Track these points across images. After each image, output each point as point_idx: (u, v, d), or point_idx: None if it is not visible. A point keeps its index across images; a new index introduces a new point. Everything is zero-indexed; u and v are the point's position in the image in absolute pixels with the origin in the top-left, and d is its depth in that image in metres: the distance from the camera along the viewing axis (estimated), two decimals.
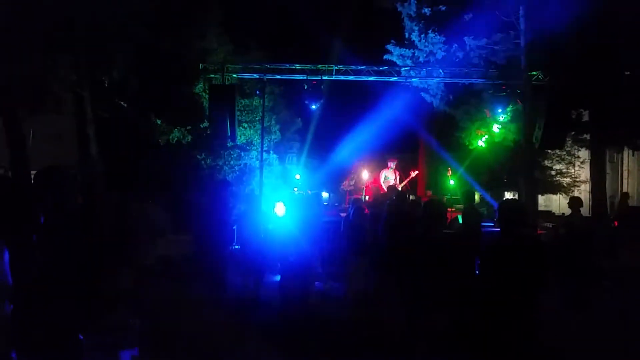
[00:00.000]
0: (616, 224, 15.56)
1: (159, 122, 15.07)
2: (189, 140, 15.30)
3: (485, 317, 3.56)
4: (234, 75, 14.55)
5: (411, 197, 11.74)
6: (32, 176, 3.12)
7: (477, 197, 13.49)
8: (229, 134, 13.64)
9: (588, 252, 8.07)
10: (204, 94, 14.98)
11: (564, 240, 8.30)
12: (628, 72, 13.75)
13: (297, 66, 14.20)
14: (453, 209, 13.59)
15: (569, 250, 8.02)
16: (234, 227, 12.77)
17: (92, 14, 11.27)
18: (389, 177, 14.12)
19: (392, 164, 14.28)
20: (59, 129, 20.69)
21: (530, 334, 3.57)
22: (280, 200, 10.69)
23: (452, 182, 15.39)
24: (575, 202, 9.38)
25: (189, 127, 15.21)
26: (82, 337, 2.81)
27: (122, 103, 14.36)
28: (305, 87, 14.23)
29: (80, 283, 2.90)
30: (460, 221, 8.58)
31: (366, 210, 9.22)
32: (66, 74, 12.37)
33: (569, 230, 8.36)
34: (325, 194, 13.32)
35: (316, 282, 8.43)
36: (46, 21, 10.70)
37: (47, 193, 2.87)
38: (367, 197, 14.07)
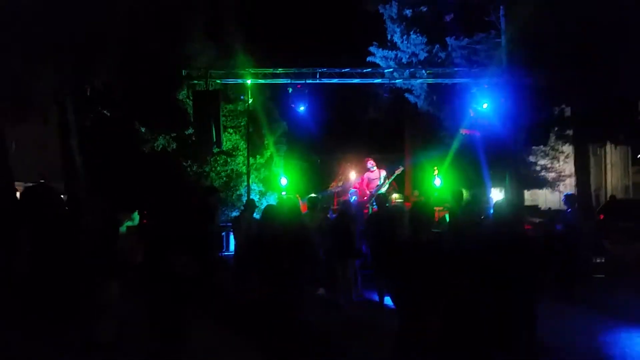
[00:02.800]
0: (602, 217, 15.78)
1: (143, 129, 14.97)
2: (174, 147, 15.22)
3: (479, 319, 3.59)
4: (218, 81, 14.49)
5: (395, 195, 11.70)
6: (16, 188, 3.08)
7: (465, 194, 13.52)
8: (214, 140, 13.57)
9: (579, 246, 8.18)
10: (187, 100, 14.89)
11: (557, 235, 8.41)
12: (607, 68, 13.94)
13: (281, 70, 14.20)
14: (441, 208, 13.65)
15: (562, 245, 8.13)
16: (222, 233, 12.77)
17: (74, 23, 11.18)
18: (372, 178, 14.09)
19: (371, 165, 14.20)
20: (43, 138, 20.50)
21: (528, 334, 3.60)
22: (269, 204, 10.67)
23: (437, 181, 15.45)
24: (570, 199, 9.49)
25: (174, 134, 15.13)
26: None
27: (105, 112, 14.25)
28: (290, 91, 14.22)
29: (67, 292, 2.88)
30: (448, 219, 8.63)
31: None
32: (49, 83, 12.26)
33: (564, 226, 8.46)
34: (313, 196, 13.29)
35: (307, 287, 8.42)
36: (27, 30, 10.59)
37: (33, 212, 2.85)
38: (353, 198, 14.07)
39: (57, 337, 2.80)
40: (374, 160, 14.44)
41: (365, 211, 12.86)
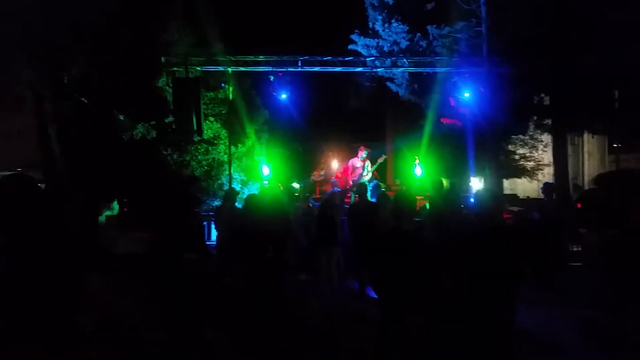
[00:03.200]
0: (579, 206, 16.04)
1: (122, 118, 14.74)
2: (154, 135, 15.02)
3: (461, 307, 3.63)
4: (198, 68, 14.31)
5: (376, 181, 11.71)
6: None
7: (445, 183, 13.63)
8: (195, 128, 13.44)
9: (558, 235, 8.31)
10: (167, 87, 14.69)
11: (536, 224, 8.52)
12: (586, 57, 14.12)
13: (262, 57, 14.08)
14: (421, 197, 13.74)
15: (541, 233, 8.25)
16: (204, 222, 12.69)
17: (49, 9, 10.92)
18: (357, 165, 14.08)
19: (362, 153, 14.15)
20: (19, 127, 20.08)
21: (507, 322, 3.65)
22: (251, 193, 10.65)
23: (418, 169, 15.54)
24: (549, 188, 9.60)
25: (153, 123, 14.93)
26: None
27: (83, 99, 13.97)
28: (271, 79, 14.12)
29: (48, 285, 2.84)
30: (428, 207, 8.69)
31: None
32: (24, 71, 11.97)
33: (542, 215, 8.57)
34: (295, 185, 13.25)
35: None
36: (1, 19, 10.33)
37: (11, 202, 2.79)
38: (336, 188, 14.06)
39: (38, 330, 2.76)
40: (361, 149, 14.28)
41: (347, 200, 12.88)
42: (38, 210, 2.98)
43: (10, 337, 2.65)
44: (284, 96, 14.34)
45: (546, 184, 10.22)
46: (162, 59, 14.12)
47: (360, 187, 10.83)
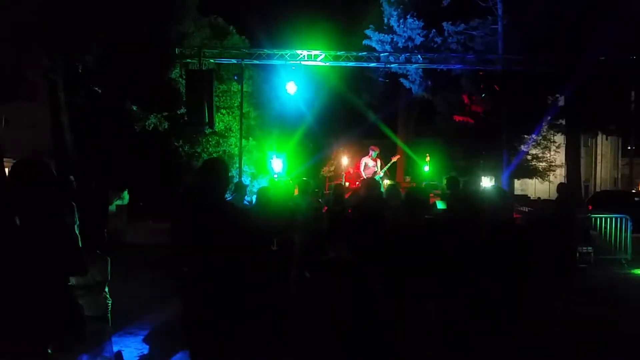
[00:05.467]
0: (590, 208, 15.90)
1: (134, 108, 14.80)
2: (166, 127, 15.06)
3: (470, 306, 3.58)
4: (211, 60, 14.29)
5: (387, 182, 11.66)
6: (7, 164, 3.02)
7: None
8: (206, 120, 13.43)
9: (568, 236, 8.21)
10: (180, 79, 14.70)
11: (546, 224, 8.42)
12: (603, 57, 13.95)
13: (276, 51, 14.04)
14: (432, 195, 13.65)
15: (551, 234, 8.16)
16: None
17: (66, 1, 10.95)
18: (369, 164, 14.03)
19: (373, 152, 14.13)
20: (33, 116, 20.28)
21: (515, 322, 3.60)
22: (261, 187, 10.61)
23: (426, 168, 15.49)
24: (564, 188, 9.47)
25: (166, 114, 14.97)
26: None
27: (96, 89, 14.03)
28: (284, 73, 14.08)
29: (58, 274, 2.83)
30: (439, 206, 8.62)
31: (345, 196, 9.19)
32: (40, 60, 12.03)
33: (557, 214, 8.47)
34: (305, 180, 13.23)
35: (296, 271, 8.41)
36: (18, 8, 10.37)
37: (24, 186, 2.78)
38: (347, 184, 14.04)
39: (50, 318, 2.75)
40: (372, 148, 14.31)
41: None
42: (53, 194, 2.97)
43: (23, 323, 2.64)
44: (296, 90, 14.29)
45: (561, 184, 10.10)
46: (177, 50, 14.13)
47: (370, 182, 10.72)
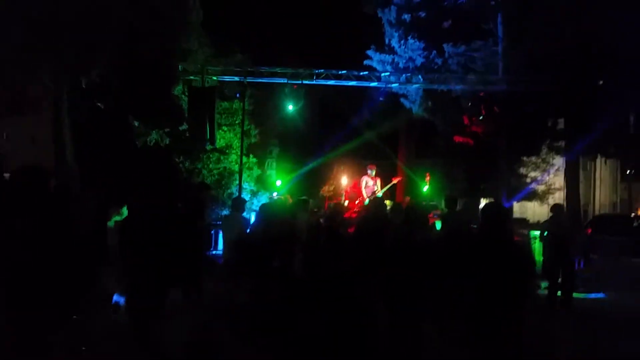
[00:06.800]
0: (589, 231, 15.90)
1: (136, 124, 14.85)
2: (167, 142, 15.12)
3: (469, 323, 3.57)
4: (214, 78, 14.41)
5: (387, 202, 11.69)
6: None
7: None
8: (208, 137, 13.51)
9: (565, 255, 8.21)
10: (183, 96, 14.81)
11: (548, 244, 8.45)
12: (601, 82, 14.06)
13: (278, 69, 14.16)
14: (431, 215, 13.66)
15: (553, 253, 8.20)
16: (212, 231, 12.67)
17: (71, 16, 11.07)
18: (369, 183, 14.05)
19: (371, 171, 14.18)
20: (35, 131, 20.32)
21: (515, 340, 3.58)
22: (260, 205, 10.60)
23: (426, 188, 15.50)
24: (558, 208, 9.48)
25: (167, 130, 15.03)
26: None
27: (99, 105, 14.10)
28: (286, 91, 14.20)
29: (52, 279, 2.84)
30: (439, 227, 8.64)
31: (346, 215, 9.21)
32: (43, 75, 12.10)
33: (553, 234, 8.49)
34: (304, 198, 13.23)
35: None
36: (24, 22, 10.48)
37: (23, 192, 2.81)
38: (346, 202, 14.04)
39: (50, 326, 2.74)
40: (370, 167, 14.38)
41: (354, 215, 12.82)
42: (49, 200, 2.99)
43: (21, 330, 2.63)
44: (297, 109, 14.39)
45: (555, 205, 10.11)
46: (180, 67, 14.26)
47: (378, 201, 10.72)
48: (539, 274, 8.82)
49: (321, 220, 10.92)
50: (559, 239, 8.24)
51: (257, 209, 7.40)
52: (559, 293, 8.15)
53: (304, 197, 12.54)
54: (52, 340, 2.78)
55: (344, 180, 16.70)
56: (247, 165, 16.02)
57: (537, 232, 10.75)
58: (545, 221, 9.37)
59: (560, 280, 8.20)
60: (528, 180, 20.92)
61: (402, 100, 16.19)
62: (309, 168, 20.95)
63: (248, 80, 14.21)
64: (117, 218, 9.28)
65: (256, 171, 16.75)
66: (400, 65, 15.07)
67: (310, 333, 5.86)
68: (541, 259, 9.87)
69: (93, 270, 3.01)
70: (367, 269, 5.43)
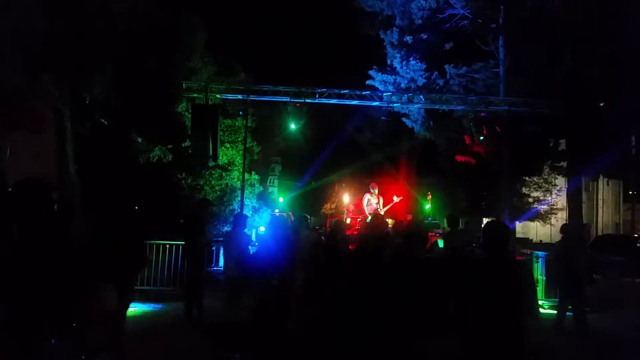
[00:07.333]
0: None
1: (139, 140, 14.94)
2: (170, 159, 15.20)
3: (470, 342, 3.56)
4: (218, 96, 14.54)
5: (388, 220, 11.72)
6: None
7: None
8: (210, 153, 13.58)
9: (574, 274, 8.19)
10: (186, 113, 14.93)
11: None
12: (602, 103, 14.13)
13: (281, 88, 14.27)
14: (432, 234, 13.68)
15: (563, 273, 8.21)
16: (213, 248, 12.67)
17: (76, 31, 11.20)
18: (372, 201, 14.10)
19: (373, 189, 14.24)
20: (37, 146, 20.40)
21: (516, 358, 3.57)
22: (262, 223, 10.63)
23: (427, 206, 15.53)
24: (568, 228, 9.47)
25: (170, 146, 15.12)
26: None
27: (103, 120, 14.21)
28: (289, 109, 14.29)
29: (48, 294, 2.85)
30: (441, 245, 8.65)
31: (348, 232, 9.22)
32: (47, 90, 12.21)
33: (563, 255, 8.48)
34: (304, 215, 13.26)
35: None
36: (28, 36, 10.60)
37: (24, 203, 2.84)
38: (348, 220, 14.07)
39: (45, 340, 2.76)
40: (372, 186, 14.47)
41: (355, 233, 12.84)
42: (49, 212, 3.02)
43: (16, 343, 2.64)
44: (299, 127, 14.47)
45: (564, 225, 10.08)
46: (184, 84, 14.40)
47: (380, 219, 10.74)
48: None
49: (322, 237, 10.94)
50: (572, 258, 8.24)
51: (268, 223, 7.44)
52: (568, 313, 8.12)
53: (304, 214, 12.58)
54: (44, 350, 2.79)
55: (346, 198, 16.74)
56: (249, 182, 16.08)
57: (540, 252, 10.70)
58: (558, 241, 9.33)
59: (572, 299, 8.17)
60: (530, 199, 20.93)
61: (404, 120, 16.28)
62: (311, 186, 21.02)
63: (251, 98, 14.33)
64: None
65: (258, 188, 16.80)
66: (402, 85, 15.18)
67: (310, 350, 5.85)
68: (542, 278, 9.86)
69: (85, 285, 3.02)
70: (366, 286, 5.44)
